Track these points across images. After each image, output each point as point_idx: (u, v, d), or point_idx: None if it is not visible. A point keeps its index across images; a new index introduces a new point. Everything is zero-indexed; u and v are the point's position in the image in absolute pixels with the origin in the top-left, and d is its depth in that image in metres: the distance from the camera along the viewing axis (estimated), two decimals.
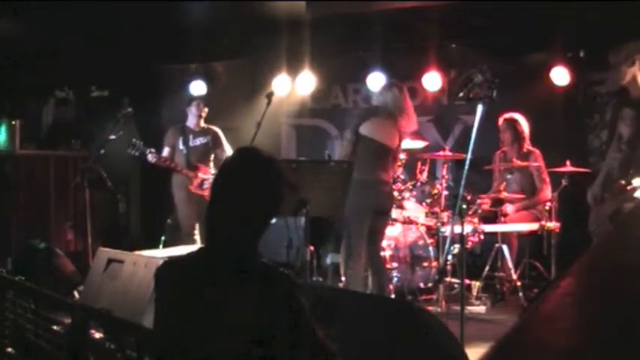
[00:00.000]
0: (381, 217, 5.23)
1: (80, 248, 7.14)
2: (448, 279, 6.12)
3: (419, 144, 6.72)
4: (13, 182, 7.24)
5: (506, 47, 6.93)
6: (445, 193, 6.19)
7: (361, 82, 7.63)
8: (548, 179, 6.29)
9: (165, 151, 6.57)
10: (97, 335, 3.28)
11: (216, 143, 6.73)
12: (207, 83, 7.91)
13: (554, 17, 6.45)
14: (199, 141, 6.69)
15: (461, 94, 5.29)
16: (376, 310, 2.85)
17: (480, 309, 5.85)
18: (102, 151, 6.28)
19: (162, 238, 7.00)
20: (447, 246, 5.06)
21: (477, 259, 6.47)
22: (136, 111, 6.78)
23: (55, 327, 3.56)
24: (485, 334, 4.87)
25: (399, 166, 6.22)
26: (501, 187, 6.14)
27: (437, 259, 6.18)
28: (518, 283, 5.94)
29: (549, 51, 6.82)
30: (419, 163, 6.43)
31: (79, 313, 3.25)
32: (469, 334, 4.31)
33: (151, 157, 6.34)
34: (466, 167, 4.59)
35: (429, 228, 6.32)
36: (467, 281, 5.76)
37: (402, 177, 6.36)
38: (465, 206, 4.63)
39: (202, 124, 6.75)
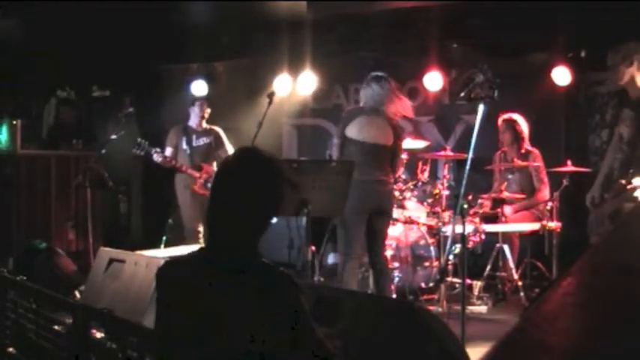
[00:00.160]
0: (380, 217, 5.18)
1: (81, 248, 7.14)
2: (449, 279, 6.12)
3: (420, 144, 6.72)
4: (15, 182, 7.25)
5: (507, 47, 6.93)
6: (446, 193, 6.19)
7: (362, 82, 7.62)
8: (546, 179, 6.30)
9: (168, 151, 6.57)
10: (99, 335, 3.28)
11: (218, 143, 6.74)
12: (208, 83, 7.91)
13: (555, 17, 6.45)
14: (202, 141, 6.70)
15: (462, 94, 5.28)
16: (377, 310, 2.84)
17: (482, 309, 5.85)
18: (103, 151, 6.29)
19: (164, 238, 7.01)
20: (448, 246, 5.05)
21: (478, 259, 6.47)
22: (137, 111, 6.80)
23: (56, 327, 3.56)
24: (486, 334, 4.86)
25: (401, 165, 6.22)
26: (502, 187, 6.14)
27: (438, 259, 6.18)
28: (520, 283, 5.94)
29: (550, 51, 6.82)
30: (420, 163, 6.42)
31: (80, 313, 3.25)
32: (470, 334, 4.31)
33: (156, 157, 6.35)
34: (467, 167, 4.59)
35: (430, 228, 6.31)
36: (468, 281, 5.75)
37: (404, 177, 6.35)
38: (466, 206, 4.63)
39: (205, 124, 6.76)
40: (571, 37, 6.66)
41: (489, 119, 5.69)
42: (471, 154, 4.57)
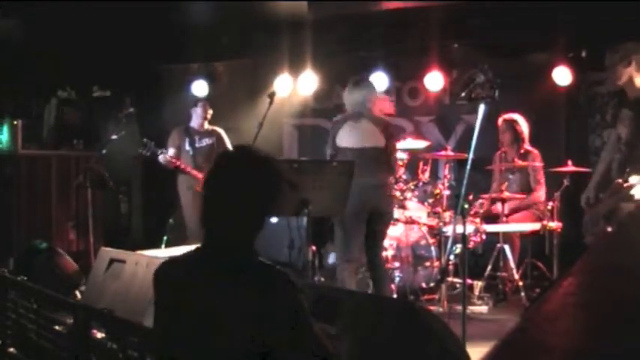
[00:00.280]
0: (380, 217, 5.19)
1: (82, 248, 7.14)
2: (450, 279, 6.12)
3: (421, 144, 6.72)
4: (15, 182, 7.25)
5: (508, 47, 6.93)
6: (447, 192, 6.19)
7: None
8: (543, 180, 6.30)
9: (171, 152, 6.57)
10: (99, 335, 3.28)
11: (220, 144, 6.74)
12: (208, 83, 7.91)
13: (555, 17, 6.45)
14: (205, 142, 6.70)
15: (463, 94, 5.28)
16: (377, 310, 2.84)
17: (482, 309, 5.84)
18: (104, 151, 6.29)
19: (165, 237, 7.01)
20: (449, 246, 5.05)
21: (478, 259, 6.47)
22: (138, 111, 6.80)
23: (57, 327, 3.56)
24: (487, 334, 4.87)
25: (402, 165, 6.22)
26: (503, 187, 6.14)
27: (439, 259, 6.17)
28: (520, 283, 5.94)
29: (551, 51, 6.82)
30: (421, 163, 6.42)
31: (81, 313, 3.25)
32: (471, 334, 4.30)
33: (162, 158, 6.37)
34: (468, 167, 4.59)
35: (430, 228, 6.31)
36: (469, 281, 5.75)
37: (404, 177, 6.35)
38: (466, 206, 4.63)
39: (207, 125, 6.77)
40: (571, 37, 6.66)
41: (490, 119, 5.68)
42: (471, 155, 4.57)
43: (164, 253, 5.09)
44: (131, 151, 7.11)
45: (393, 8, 6.99)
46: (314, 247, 6.05)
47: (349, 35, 7.58)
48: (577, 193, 5.52)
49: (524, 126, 6.39)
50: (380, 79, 7.30)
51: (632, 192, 4.23)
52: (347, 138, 5.13)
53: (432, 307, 5.48)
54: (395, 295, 5.76)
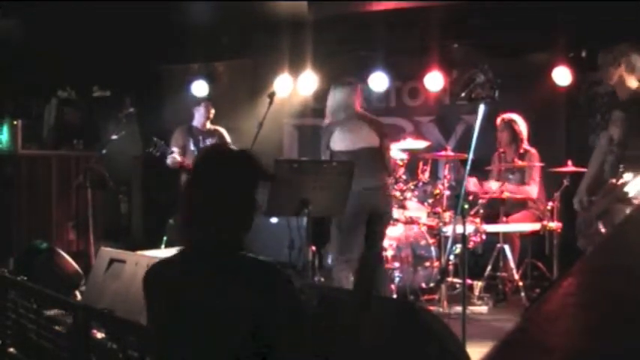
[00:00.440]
0: (380, 218, 5.20)
1: (82, 248, 7.15)
2: (450, 279, 6.12)
3: (421, 144, 6.72)
4: (15, 182, 7.25)
5: (508, 47, 6.93)
6: (447, 193, 6.19)
7: (363, 82, 7.62)
8: (538, 179, 6.30)
9: (175, 152, 6.58)
10: (99, 335, 3.28)
11: (222, 143, 6.74)
12: (208, 83, 7.91)
13: (555, 17, 6.45)
14: (209, 142, 6.71)
15: (463, 94, 5.28)
16: (377, 310, 2.84)
17: (482, 309, 5.85)
18: (104, 151, 6.29)
19: (165, 238, 7.01)
20: (448, 246, 5.05)
21: (478, 259, 6.47)
22: (138, 111, 6.80)
23: (57, 327, 3.56)
24: (487, 334, 4.87)
25: (402, 165, 6.22)
26: (503, 187, 6.14)
27: (439, 259, 6.17)
28: (520, 283, 5.94)
29: (551, 51, 6.82)
30: (421, 163, 6.42)
31: (81, 313, 3.25)
32: (471, 334, 4.30)
33: (170, 159, 6.38)
34: (468, 167, 4.59)
35: (430, 228, 6.31)
36: (469, 281, 5.75)
37: (404, 177, 6.35)
38: (466, 206, 4.63)
39: (209, 124, 6.77)
40: (571, 37, 6.66)
41: (490, 119, 5.69)
42: (471, 155, 4.57)
43: (164, 253, 5.09)
44: (131, 151, 7.12)
45: (393, 8, 6.99)
46: (314, 247, 6.05)
47: (349, 35, 7.58)
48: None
49: (522, 126, 6.39)
50: (380, 79, 7.31)
51: (626, 189, 4.23)
52: (340, 142, 5.14)
53: (431, 308, 5.48)
54: (395, 296, 5.76)
